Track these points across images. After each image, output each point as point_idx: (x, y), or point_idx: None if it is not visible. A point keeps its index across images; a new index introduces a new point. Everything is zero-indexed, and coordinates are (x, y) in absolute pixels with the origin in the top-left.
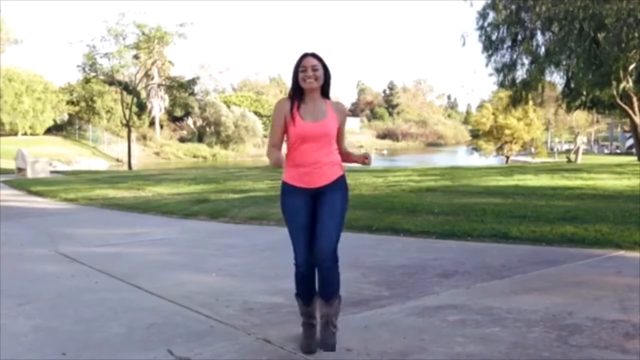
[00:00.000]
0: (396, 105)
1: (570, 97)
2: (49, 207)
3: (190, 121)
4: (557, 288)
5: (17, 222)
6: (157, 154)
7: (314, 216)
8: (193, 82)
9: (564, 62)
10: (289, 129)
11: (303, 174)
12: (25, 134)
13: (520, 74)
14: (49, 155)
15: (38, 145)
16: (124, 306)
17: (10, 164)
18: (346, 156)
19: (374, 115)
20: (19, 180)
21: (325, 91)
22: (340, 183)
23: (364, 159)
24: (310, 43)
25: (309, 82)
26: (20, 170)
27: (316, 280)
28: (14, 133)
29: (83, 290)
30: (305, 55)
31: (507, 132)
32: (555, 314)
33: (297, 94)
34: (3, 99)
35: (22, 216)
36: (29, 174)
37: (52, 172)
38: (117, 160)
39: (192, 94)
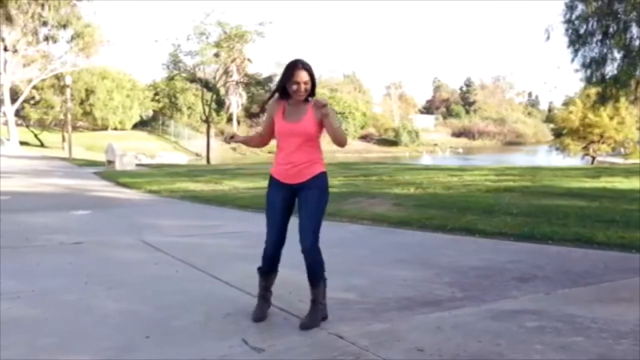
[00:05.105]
0: (473, 103)
1: None
2: (134, 198)
3: None
4: None
5: (106, 212)
6: (233, 149)
7: (290, 207)
8: (270, 79)
9: None
10: (275, 128)
11: (284, 170)
12: (115, 128)
13: (611, 69)
14: (135, 149)
15: (125, 140)
16: (202, 295)
17: (101, 157)
18: (330, 130)
19: (449, 113)
20: (108, 172)
21: (310, 93)
22: (316, 180)
23: (320, 106)
24: (385, 40)
25: (299, 95)
26: (110, 162)
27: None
28: (104, 128)
29: (165, 278)
30: (296, 66)
31: (596, 131)
32: None
33: (284, 94)
34: (96, 96)
35: (110, 206)
36: (117, 167)
37: (137, 165)
38: (197, 154)
39: (269, 91)
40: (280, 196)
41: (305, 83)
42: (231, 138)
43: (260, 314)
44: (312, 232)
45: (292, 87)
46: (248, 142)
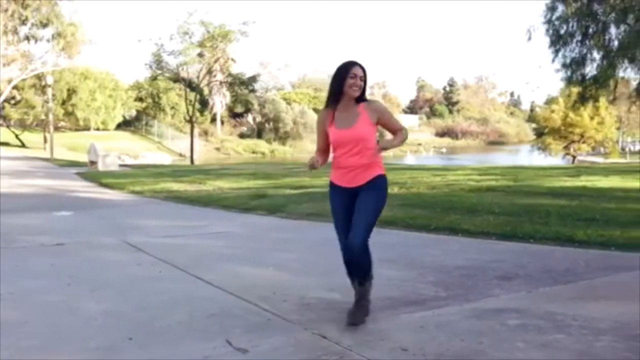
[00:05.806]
0: (456, 103)
1: None
2: (117, 199)
3: (250, 117)
4: (628, 296)
5: (89, 213)
6: (217, 149)
7: (352, 211)
8: (253, 79)
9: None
10: (330, 138)
11: (343, 175)
12: (97, 129)
13: (590, 69)
14: (118, 150)
15: (108, 140)
16: (185, 296)
17: (84, 157)
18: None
19: (433, 113)
20: (91, 173)
21: (360, 97)
22: (375, 183)
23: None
24: (368, 40)
25: (354, 89)
26: (93, 163)
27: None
28: (87, 128)
29: (148, 278)
30: (352, 62)
31: (577, 130)
32: (625, 323)
33: (336, 98)
34: (78, 96)
35: (93, 207)
36: (100, 167)
37: (120, 165)
38: (180, 155)
39: (253, 90)
40: (342, 201)
41: (361, 79)
42: (315, 163)
43: (356, 319)
44: (363, 229)
45: (348, 82)
46: (323, 162)
